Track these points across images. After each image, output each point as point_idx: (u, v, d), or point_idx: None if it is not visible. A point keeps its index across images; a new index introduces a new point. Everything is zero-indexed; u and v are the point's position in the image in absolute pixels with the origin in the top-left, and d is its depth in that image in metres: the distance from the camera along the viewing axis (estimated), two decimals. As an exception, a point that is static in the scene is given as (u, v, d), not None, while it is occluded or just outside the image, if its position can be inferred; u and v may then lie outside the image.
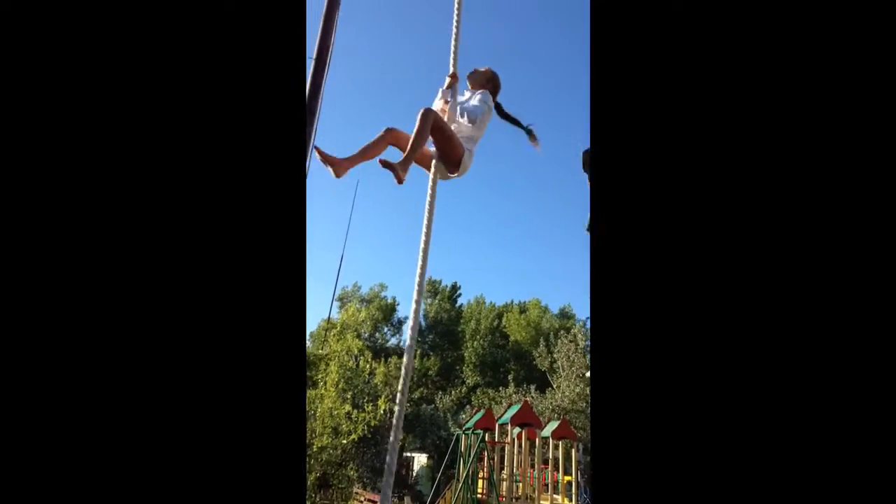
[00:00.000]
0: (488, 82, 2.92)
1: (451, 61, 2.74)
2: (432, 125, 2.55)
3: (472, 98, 2.88)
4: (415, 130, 2.51)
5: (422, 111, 2.53)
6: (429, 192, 2.47)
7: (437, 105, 2.85)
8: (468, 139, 2.72)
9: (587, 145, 2.97)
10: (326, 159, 2.51)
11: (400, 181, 2.40)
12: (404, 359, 2.12)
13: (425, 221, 2.36)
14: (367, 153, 2.60)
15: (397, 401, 2.04)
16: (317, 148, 2.52)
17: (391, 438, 1.93)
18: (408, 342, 2.19)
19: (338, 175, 2.52)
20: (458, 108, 2.80)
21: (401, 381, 2.06)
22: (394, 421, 1.98)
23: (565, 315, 29.64)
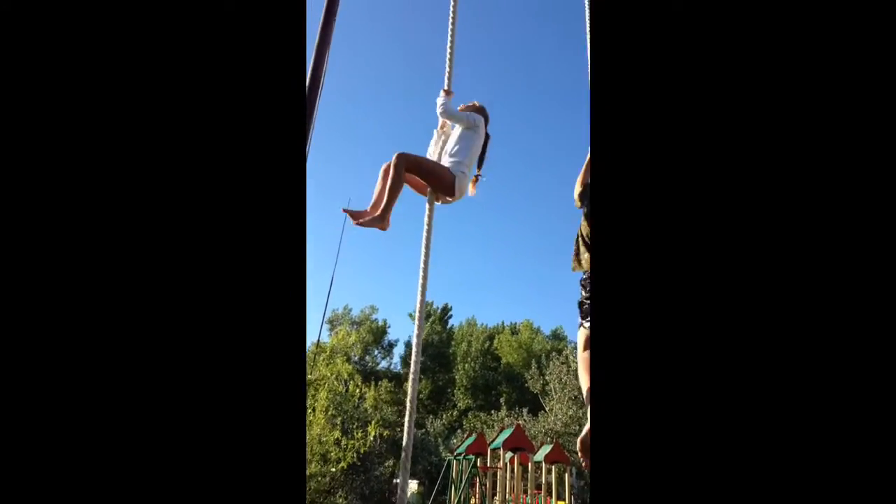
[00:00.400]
0: (477, 112, 3.01)
1: (446, 78, 2.79)
2: (407, 167, 2.62)
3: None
4: (388, 182, 2.60)
5: (393, 159, 2.62)
6: (425, 225, 2.45)
7: (435, 136, 2.95)
8: (458, 162, 2.74)
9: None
10: (367, 223, 2.60)
11: (384, 229, 2.59)
12: (406, 413, 2.01)
13: (422, 257, 2.32)
14: (394, 193, 2.65)
15: (402, 460, 1.96)
16: (349, 214, 2.64)
17: (399, 481, 1.86)
18: (410, 406, 2.07)
19: (384, 228, 2.63)
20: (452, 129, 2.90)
21: (405, 434, 1.96)
22: (399, 479, 1.90)
23: (557, 337, 29.57)
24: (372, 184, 2.79)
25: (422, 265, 2.31)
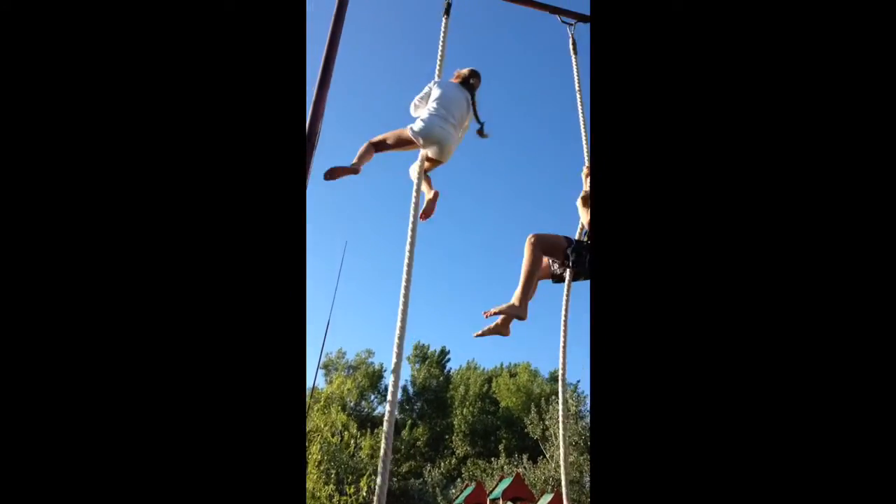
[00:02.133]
0: (458, 78, 3.20)
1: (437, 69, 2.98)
2: (377, 146, 2.85)
3: None
4: (364, 147, 2.86)
5: (361, 148, 2.86)
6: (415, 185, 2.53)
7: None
8: (416, 119, 2.88)
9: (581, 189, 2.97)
10: (343, 172, 2.75)
11: (357, 172, 2.78)
12: (380, 463, 1.75)
13: (410, 238, 2.23)
14: (363, 159, 2.83)
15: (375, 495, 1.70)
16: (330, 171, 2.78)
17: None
18: (384, 450, 1.81)
19: (356, 173, 2.79)
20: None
21: (379, 476, 1.72)
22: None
23: (556, 379, 29.07)
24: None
25: (408, 247, 2.19)
